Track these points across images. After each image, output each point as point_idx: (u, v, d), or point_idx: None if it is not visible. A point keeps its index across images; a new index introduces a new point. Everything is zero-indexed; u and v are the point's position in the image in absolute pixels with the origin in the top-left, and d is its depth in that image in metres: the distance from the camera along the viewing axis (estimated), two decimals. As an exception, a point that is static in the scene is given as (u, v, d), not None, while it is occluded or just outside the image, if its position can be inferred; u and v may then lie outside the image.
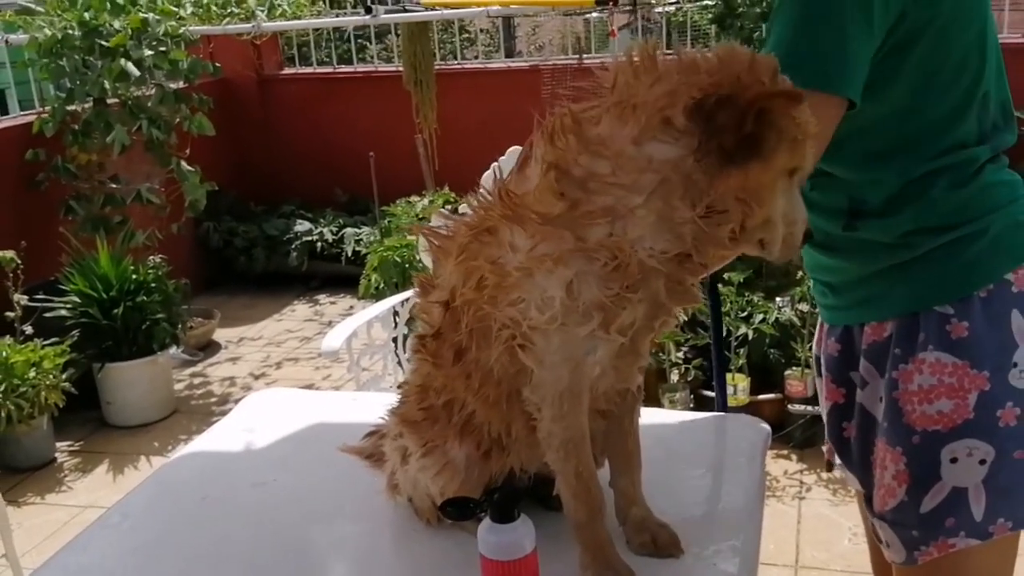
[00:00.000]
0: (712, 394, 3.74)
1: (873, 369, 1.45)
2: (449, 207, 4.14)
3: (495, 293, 1.17)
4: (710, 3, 4.41)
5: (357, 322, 2.69)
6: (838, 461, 1.61)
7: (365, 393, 2.04)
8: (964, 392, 1.34)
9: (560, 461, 1.23)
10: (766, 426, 1.72)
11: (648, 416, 1.72)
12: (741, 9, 3.97)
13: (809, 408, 3.67)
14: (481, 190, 1.22)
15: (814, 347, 1.67)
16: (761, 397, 3.74)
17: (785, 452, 3.70)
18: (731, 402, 3.66)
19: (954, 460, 1.36)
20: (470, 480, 1.30)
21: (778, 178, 1.08)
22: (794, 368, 3.73)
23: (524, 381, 1.21)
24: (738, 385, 3.67)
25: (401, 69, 5.45)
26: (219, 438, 1.80)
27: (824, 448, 1.67)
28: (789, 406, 3.70)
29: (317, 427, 1.80)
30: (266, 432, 1.78)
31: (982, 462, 1.35)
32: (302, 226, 6.17)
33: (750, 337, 3.71)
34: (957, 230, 1.36)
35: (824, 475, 3.50)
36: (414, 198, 4.95)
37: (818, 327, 1.65)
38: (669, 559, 1.30)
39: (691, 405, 3.81)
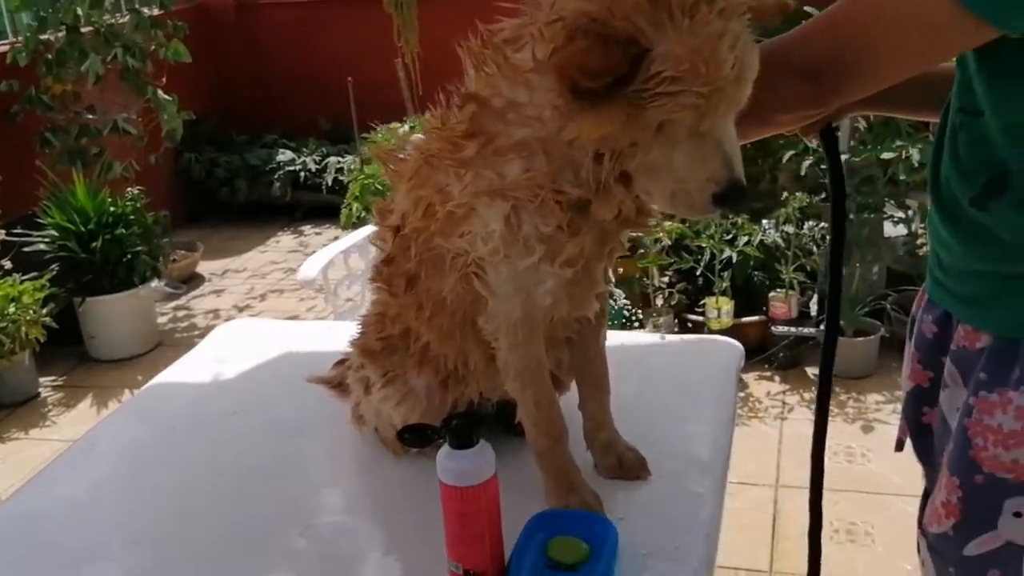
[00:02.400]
0: (697, 318, 3.77)
1: (957, 375, 1.19)
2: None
3: (444, 225, 1.14)
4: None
5: (333, 251, 2.66)
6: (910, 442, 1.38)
7: (340, 323, 2.02)
8: None
9: (518, 390, 1.22)
10: (739, 347, 1.71)
11: (623, 338, 1.72)
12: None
13: (792, 329, 3.68)
14: (438, 111, 1.19)
15: (913, 307, 1.37)
16: (745, 319, 3.74)
17: (768, 373, 3.71)
18: (714, 324, 3.67)
19: (1018, 515, 1.14)
20: (432, 408, 1.29)
21: (645, 127, 0.98)
22: (778, 290, 3.72)
23: (479, 310, 1.19)
24: (722, 308, 3.66)
25: (383, -7, 5.33)
26: (189, 369, 1.78)
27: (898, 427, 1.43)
28: (773, 328, 3.71)
29: (288, 356, 1.79)
30: (237, 362, 1.76)
31: None
32: (285, 155, 6.10)
33: (734, 260, 3.69)
34: None
35: (806, 395, 3.52)
36: (395, 124, 4.88)
37: (921, 289, 1.35)
38: (637, 481, 1.29)
39: (675, 329, 3.81)
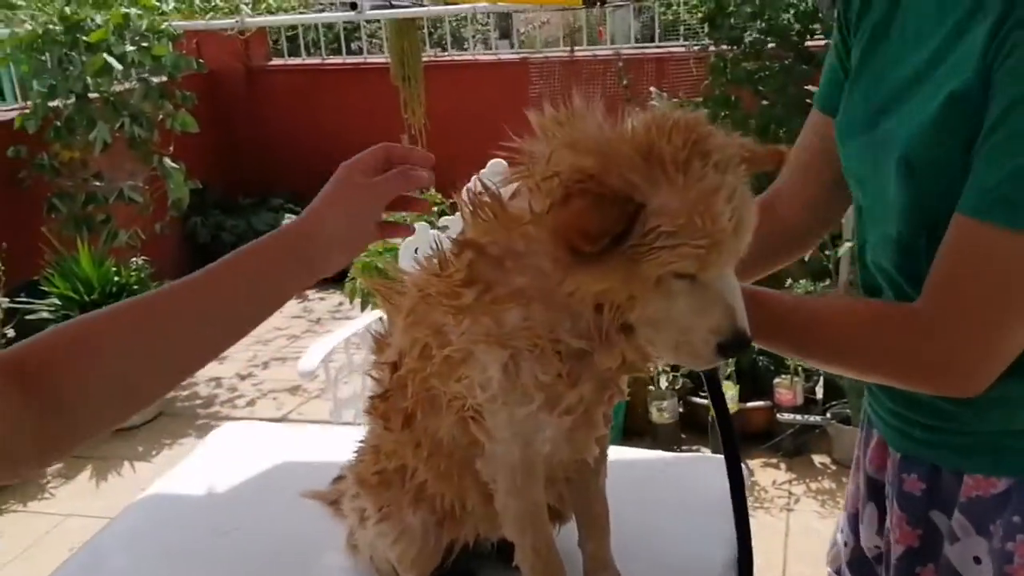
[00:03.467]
0: (702, 401, 3.73)
1: (970, 526, 1.15)
2: (435, 209, 4.07)
3: (441, 368, 1.11)
4: (698, 2, 4.33)
5: (334, 341, 2.64)
6: None
7: (335, 427, 1.99)
8: None
9: (517, 535, 1.18)
10: (744, 469, 1.67)
11: (622, 454, 1.68)
12: (731, 8, 3.89)
13: (798, 417, 3.63)
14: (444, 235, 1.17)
15: (866, 467, 1.34)
16: (750, 405, 3.70)
17: (774, 461, 3.65)
18: (719, 410, 3.61)
19: None
20: (427, 546, 1.25)
21: (646, 280, 0.96)
22: (783, 376, 3.69)
23: (477, 452, 1.16)
24: (727, 393, 3.62)
25: (389, 61, 5.38)
26: (183, 478, 1.74)
27: None
28: (778, 415, 3.66)
29: (284, 467, 1.75)
30: (231, 472, 1.72)
31: None
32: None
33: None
34: None
35: (813, 485, 3.47)
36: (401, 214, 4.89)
37: (870, 445, 1.34)
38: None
39: (680, 410, 3.77)
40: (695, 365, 1.03)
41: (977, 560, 1.15)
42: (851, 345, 1.15)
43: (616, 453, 1.34)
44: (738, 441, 1.34)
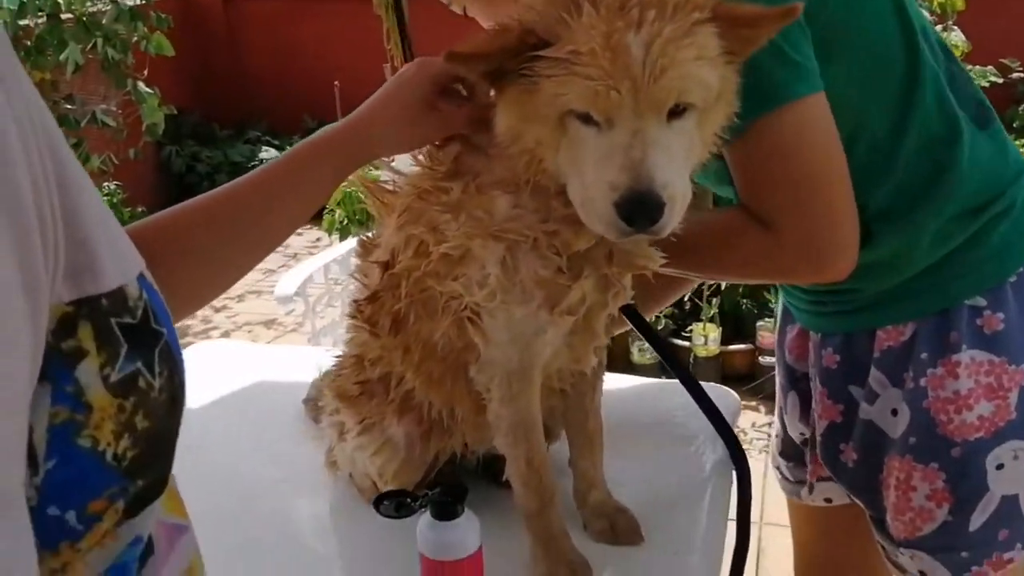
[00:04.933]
0: (684, 343, 3.70)
1: (885, 379, 1.27)
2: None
3: (439, 267, 1.06)
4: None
5: (313, 266, 2.56)
6: (827, 485, 1.46)
7: (313, 348, 1.92)
8: (1004, 391, 1.20)
9: (509, 446, 1.13)
10: (735, 397, 1.62)
11: (613, 382, 1.63)
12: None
13: (780, 360, 3.61)
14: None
15: (786, 358, 1.46)
16: (732, 347, 3.67)
17: (754, 403, 3.63)
18: (701, 352, 3.59)
19: (1000, 467, 1.22)
20: (411, 460, 1.20)
21: (543, 117, 0.92)
22: (766, 319, 3.65)
23: (471, 358, 1.11)
24: (709, 335, 3.59)
25: (373, -8, 5.23)
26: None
27: (794, 475, 1.54)
28: (760, 358, 3.64)
29: (259, 386, 1.69)
30: (204, 392, 1.66)
31: None
32: (268, 153, 5.99)
33: (723, 287, 3.62)
34: (985, 211, 1.20)
35: (792, 428, 3.45)
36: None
37: (789, 337, 1.45)
38: (628, 547, 1.21)
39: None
40: (604, 229, 0.92)
41: (894, 412, 1.26)
42: (726, 266, 1.26)
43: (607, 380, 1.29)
44: (682, 365, 1.28)
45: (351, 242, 2.75)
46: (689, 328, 3.68)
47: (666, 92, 0.88)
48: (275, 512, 1.34)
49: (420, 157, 1.13)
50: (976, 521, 1.24)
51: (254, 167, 4.78)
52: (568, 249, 1.00)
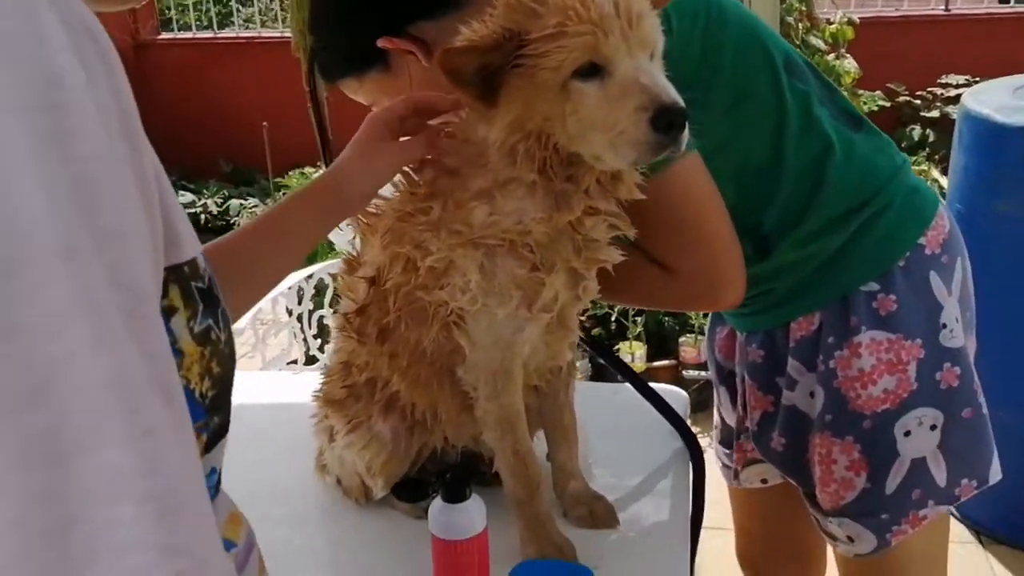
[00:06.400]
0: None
1: (802, 366, 1.41)
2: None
3: (427, 279, 1.16)
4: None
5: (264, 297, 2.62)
6: (758, 467, 1.62)
7: (269, 373, 1.99)
8: (903, 365, 1.34)
9: (497, 439, 1.23)
10: (685, 394, 1.76)
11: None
12: None
13: (702, 373, 3.78)
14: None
15: (716, 356, 1.63)
16: (657, 364, 3.83)
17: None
18: (629, 369, 3.73)
19: (907, 433, 1.36)
20: (397, 452, 1.30)
21: (548, 91, 1.03)
22: (688, 335, 3.83)
23: (457, 360, 1.21)
24: (635, 352, 3.75)
25: (289, 34, 5.31)
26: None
27: (732, 460, 1.68)
28: (683, 372, 3.81)
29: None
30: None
31: (933, 427, 1.36)
32: (184, 197, 5.97)
33: (646, 305, 3.79)
34: (868, 206, 1.35)
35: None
36: (308, 169, 4.85)
37: (719, 337, 1.61)
38: (606, 530, 1.32)
39: (590, 374, 3.87)
40: (643, 155, 1.03)
41: (812, 395, 1.40)
42: (639, 299, 1.56)
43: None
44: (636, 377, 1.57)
45: (298, 274, 2.83)
46: (616, 347, 3.83)
47: (648, 34, 1.03)
48: (270, 515, 1.41)
49: (398, 182, 1.23)
50: (891, 485, 1.37)
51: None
52: (568, 218, 1.11)
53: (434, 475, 1.14)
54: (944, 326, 1.37)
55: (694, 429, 3.78)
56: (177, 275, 0.55)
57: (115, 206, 0.45)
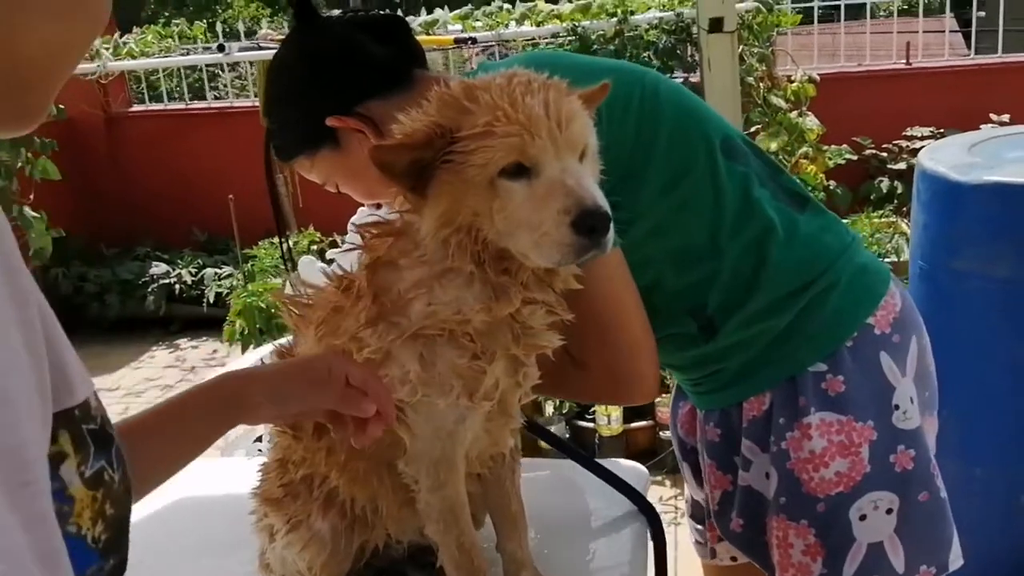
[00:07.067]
0: (588, 424, 3.81)
1: (755, 447, 1.38)
2: (315, 248, 4.06)
3: None
4: (566, 40, 4.48)
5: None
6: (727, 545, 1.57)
7: (229, 459, 1.95)
8: (856, 447, 1.31)
9: (440, 532, 1.20)
10: (644, 471, 1.73)
11: (528, 468, 1.72)
12: (595, 47, 4.05)
13: (680, 434, 3.75)
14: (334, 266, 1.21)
15: (678, 432, 1.62)
16: (634, 425, 3.80)
17: (659, 478, 3.75)
18: (606, 431, 3.71)
19: (863, 517, 1.32)
20: (338, 551, 1.26)
21: (476, 187, 1.03)
22: (666, 395, 3.79)
23: (397, 453, 1.18)
24: (611, 414, 3.72)
25: (258, 104, 5.33)
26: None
27: (705, 537, 1.66)
28: (660, 433, 3.77)
29: (184, 503, 1.71)
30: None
31: (889, 511, 1.32)
32: (158, 268, 5.96)
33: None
34: (814, 286, 1.33)
35: (697, 499, 3.57)
36: (277, 239, 4.83)
37: (681, 413, 1.60)
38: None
39: (567, 435, 3.84)
40: (563, 256, 1.02)
41: (767, 476, 1.37)
42: (563, 391, 1.70)
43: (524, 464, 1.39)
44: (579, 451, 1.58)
45: (253, 353, 2.80)
46: (592, 409, 3.80)
47: (577, 136, 1.04)
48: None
49: (331, 272, 1.21)
50: (848, 571, 1.33)
51: (145, 283, 4.78)
52: (506, 311, 1.08)
53: (375, 572, 1.11)
54: (897, 407, 1.34)
55: (672, 491, 3.72)
56: (68, 420, 0.54)
57: (1, 375, 0.46)
